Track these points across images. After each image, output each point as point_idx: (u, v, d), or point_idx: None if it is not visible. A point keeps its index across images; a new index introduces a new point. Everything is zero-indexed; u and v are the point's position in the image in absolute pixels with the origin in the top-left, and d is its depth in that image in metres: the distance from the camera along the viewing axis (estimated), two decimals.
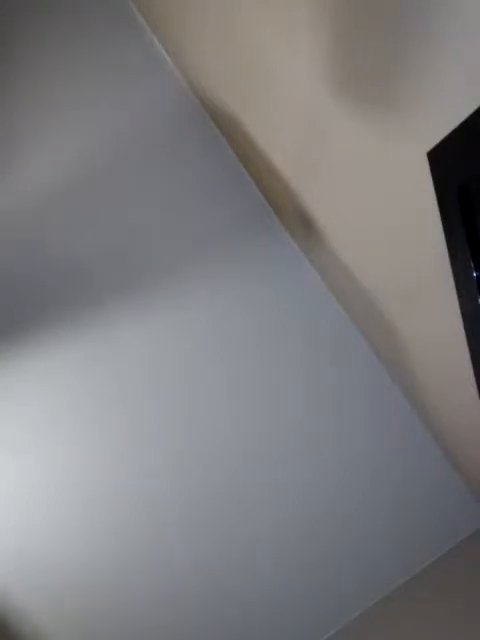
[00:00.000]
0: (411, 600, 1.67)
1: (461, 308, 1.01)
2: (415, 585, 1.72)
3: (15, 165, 1.52)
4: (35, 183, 1.53)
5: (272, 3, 1.00)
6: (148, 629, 1.64)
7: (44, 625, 1.58)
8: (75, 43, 1.53)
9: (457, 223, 0.88)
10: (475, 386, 1.12)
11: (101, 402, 1.59)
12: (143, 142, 1.58)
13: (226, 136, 1.61)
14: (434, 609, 1.56)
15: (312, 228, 1.50)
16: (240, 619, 1.68)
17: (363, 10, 0.80)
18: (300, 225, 1.56)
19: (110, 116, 1.56)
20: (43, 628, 1.58)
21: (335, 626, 1.72)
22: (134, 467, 1.61)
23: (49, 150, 1.53)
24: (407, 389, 1.71)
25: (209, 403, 1.64)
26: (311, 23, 0.92)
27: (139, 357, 1.60)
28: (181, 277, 1.62)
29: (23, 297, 1.54)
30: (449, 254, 0.94)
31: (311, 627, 1.71)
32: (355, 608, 1.73)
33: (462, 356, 1.14)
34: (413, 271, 1.20)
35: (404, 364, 1.60)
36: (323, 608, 1.72)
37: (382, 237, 1.21)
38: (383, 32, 0.79)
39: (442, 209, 0.90)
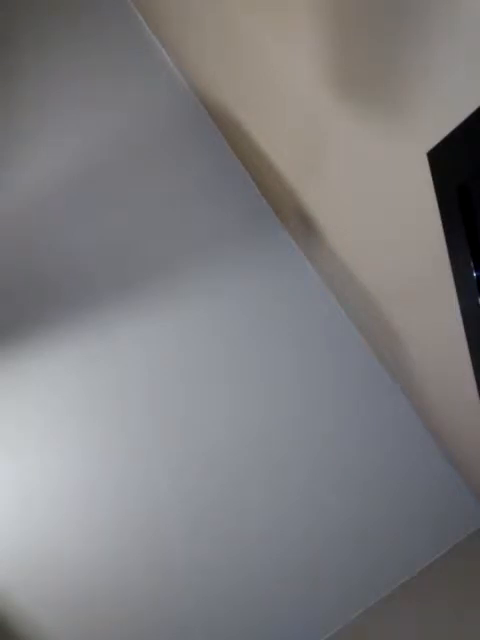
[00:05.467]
0: (411, 600, 1.67)
1: (461, 308, 1.01)
2: (415, 585, 1.72)
3: (15, 165, 1.52)
4: (35, 183, 1.53)
5: (272, 3, 1.00)
6: (148, 629, 1.64)
7: (44, 625, 1.58)
8: (75, 43, 1.53)
9: (457, 223, 0.88)
10: (475, 386, 1.12)
11: (100, 402, 1.59)
12: (143, 142, 1.58)
13: (226, 136, 1.61)
14: (434, 609, 1.56)
15: (312, 228, 1.50)
16: (240, 619, 1.68)
17: (363, 10, 0.80)
18: (300, 225, 1.56)
19: (110, 116, 1.56)
20: (43, 628, 1.58)
21: (335, 626, 1.72)
22: (134, 467, 1.61)
23: (49, 150, 1.53)
24: (407, 389, 1.71)
25: (209, 403, 1.64)
26: (311, 23, 0.92)
27: (138, 357, 1.60)
28: (181, 277, 1.62)
29: (23, 297, 1.54)
30: (449, 254, 0.94)
31: (311, 627, 1.71)
32: (355, 608, 1.73)
33: (462, 356, 1.14)
34: (413, 271, 1.20)
35: (404, 364, 1.60)
36: (323, 608, 1.72)
37: (382, 237, 1.21)
38: (383, 32, 0.79)
39: (442, 209, 0.90)
